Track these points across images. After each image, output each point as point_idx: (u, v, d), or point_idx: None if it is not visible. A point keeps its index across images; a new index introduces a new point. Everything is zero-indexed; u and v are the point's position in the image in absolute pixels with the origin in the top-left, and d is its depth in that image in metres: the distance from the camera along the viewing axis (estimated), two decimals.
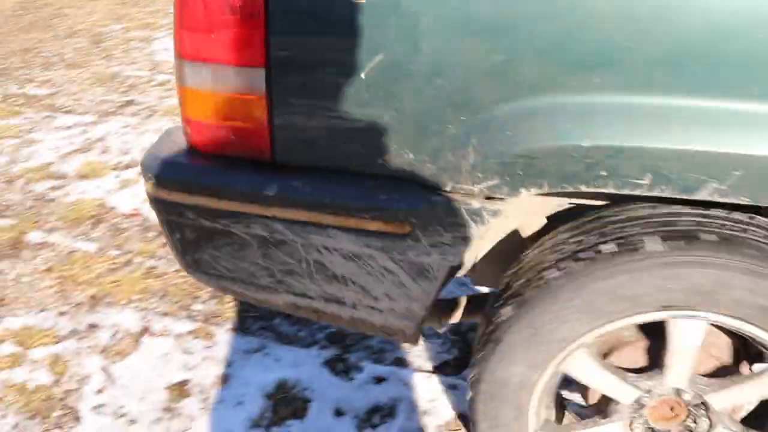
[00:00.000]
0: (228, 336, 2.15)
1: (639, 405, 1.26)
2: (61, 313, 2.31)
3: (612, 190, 1.04)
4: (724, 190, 1.00)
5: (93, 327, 2.23)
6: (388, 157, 1.12)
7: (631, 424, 1.27)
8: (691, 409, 1.26)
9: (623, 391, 1.24)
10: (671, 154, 0.99)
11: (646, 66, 0.98)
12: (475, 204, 1.09)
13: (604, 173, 1.02)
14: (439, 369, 1.95)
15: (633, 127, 1.00)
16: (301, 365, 2.01)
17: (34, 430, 1.84)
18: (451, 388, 1.88)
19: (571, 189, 1.05)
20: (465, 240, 1.12)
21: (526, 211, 1.36)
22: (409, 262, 1.17)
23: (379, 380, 1.93)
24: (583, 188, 1.04)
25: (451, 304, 1.52)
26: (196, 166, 1.21)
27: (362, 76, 1.08)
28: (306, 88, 1.11)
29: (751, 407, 1.32)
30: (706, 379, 1.24)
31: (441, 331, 1.64)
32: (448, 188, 1.10)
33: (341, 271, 1.23)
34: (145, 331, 2.20)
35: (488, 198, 1.09)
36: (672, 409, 1.27)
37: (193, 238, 1.28)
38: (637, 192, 1.03)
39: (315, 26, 1.08)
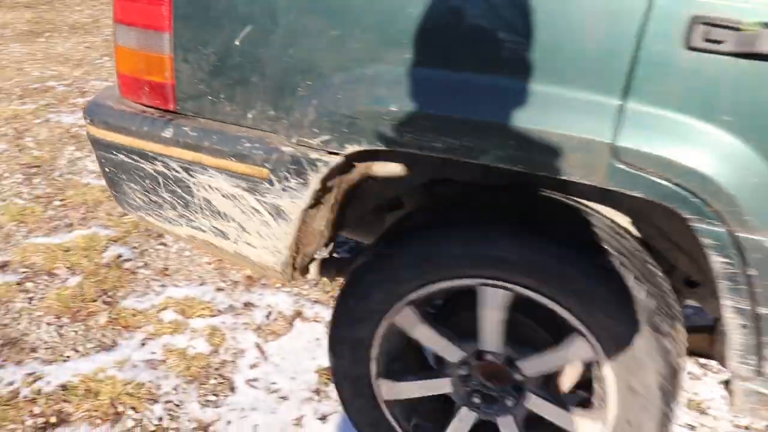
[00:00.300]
0: None
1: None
2: (219, 289, 2.49)
3: (415, 150, 1.22)
4: (502, 157, 1.17)
5: (248, 305, 2.39)
6: (255, 112, 1.36)
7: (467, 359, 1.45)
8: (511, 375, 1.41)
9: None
10: (459, 122, 1.17)
11: (444, 45, 1.16)
12: (313, 155, 1.31)
13: (408, 135, 1.21)
14: None
15: (431, 96, 1.18)
16: None
17: (192, 393, 2.00)
18: None
19: (384, 147, 1.24)
20: (306, 186, 1.33)
21: (400, 180, 1.55)
22: (270, 203, 1.40)
23: None
24: (395, 147, 1.24)
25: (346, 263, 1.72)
26: (117, 110, 1.50)
27: (237, 43, 1.32)
28: (198, 51, 1.37)
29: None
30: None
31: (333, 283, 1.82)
32: (294, 140, 1.32)
33: (223, 208, 1.47)
34: (297, 315, 2.33)
35: (323, 151, 1.30)
36: (497, 372, 1.42)
37: (117, 171, 1.56)
38: (435, 154, 1.21)
39: (206, 2, 1.34)
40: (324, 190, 1.37)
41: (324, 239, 1.61)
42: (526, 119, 1.13)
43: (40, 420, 1.88)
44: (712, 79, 1.03)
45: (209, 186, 1.45)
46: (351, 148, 1.27)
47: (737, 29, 0.99)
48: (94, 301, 2.40)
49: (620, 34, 1.06)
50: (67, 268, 2.61)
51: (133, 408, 1.93)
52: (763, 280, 1.10)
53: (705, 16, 1.01)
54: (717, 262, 1.12)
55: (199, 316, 2.33)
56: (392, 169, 1.53)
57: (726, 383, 1.29)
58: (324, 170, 1.31)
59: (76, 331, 2.26)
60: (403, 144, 1.22)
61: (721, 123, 1.05)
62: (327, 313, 2.32)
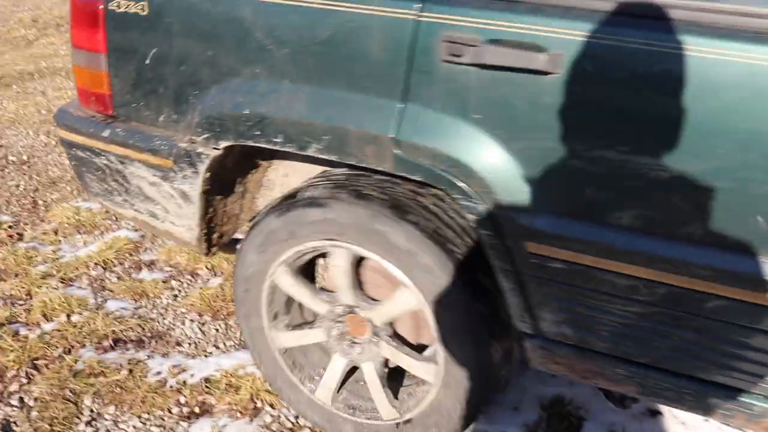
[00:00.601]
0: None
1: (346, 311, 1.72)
2: None
3: (263, 145, 1.53)
4: (321, 149, 1.46)
5: None
6: (164, 116, 1.71)
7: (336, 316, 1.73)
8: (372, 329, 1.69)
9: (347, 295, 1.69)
10: (288, 121, 1.47)
11: (279, 62, 1.47)
12: (199, 149, 1.64)
13: (258, 132, 1.53)
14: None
15: (270, 101, 1.49)
16: (578, 385, 2.07)
17: None
18: None
19: (243, 143, 1.56)
20: (198, 174, 1.67)
21: (302, 172, 1.87)
22: (178, 189, 1.75)
23: (654, 414, 1.98)
24: (251, 143, 1.55)
25: None
26: (75, 115, 1.90)
27: (147, 62, 1.68)
28: (124, 68, 1.74)
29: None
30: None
31: None
32: (187, 138, 1.66)
33: (150, 193, 1.83)
34: None
35: (206, 146, 1.63)
36: (362, 327, 1.70)
37: (79, 164, 1.96)
38: (277, 147, 1.52)
39: (128, 30, 1.70)
40: (217, 178, 1.70)
41: (242, 221, 1.95)
42: (333, 119, 1.42)
43: (186, 409, 2.03)
44: (462, 84, 1.29)
45: (138, 175, 1.82)
46: (224, 144, 1.60)
47: (472, 45, 1.24)
48: (234, 301, 2.52)
49: (398, 51, 1.33)
50: (209, 269, 2.77)
51: (271, 405, 2.04)
52: (515, 248, 1.33)
53: (450, 35, 1.27)
54: (482, 234, 1.36)
55: None
56: (292, 164, 1.85)
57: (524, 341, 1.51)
58: (207, 162, 1.64)
59: (217, 329, 2.40)
60: (256, 140, 1.53)
61: (473, 120, 1.30)
62: None
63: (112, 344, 2.29)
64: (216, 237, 1.88)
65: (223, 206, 1.83)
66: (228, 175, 1.77)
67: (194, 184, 1.70)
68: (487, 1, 1.26)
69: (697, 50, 1.11)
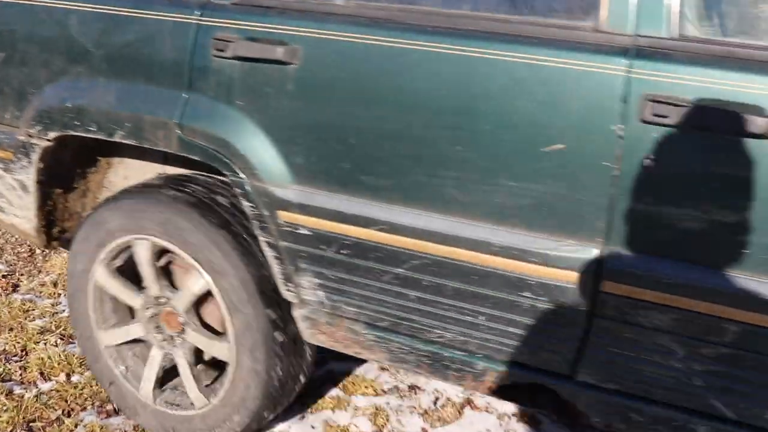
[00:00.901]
0: (554, 427, 2.13)
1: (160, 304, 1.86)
2: (383, 368, 2.37)
3: (81, 133, 1.74)
4: (125, 135, 1.67)
5: (414, 388, 2.29)
6: (9, 113, 1.92)
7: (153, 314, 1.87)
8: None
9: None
10: (100, 111, 1.69)
11: (96, 62, 1.70)
12: (33, 141, 1.84)
13: (78, 123, 1.74)
14: None
15: (88, 95, 1.71)
16: None
17: None
18: None
19: (66, 132, 1.77)
20: (32, 164, 1.86)
21: (141, 174, 2.06)
22: (18, 180, 1.93)
23: None
24: (72, 132, 1.76)
25: None
26: None
27: None
28: None
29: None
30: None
31: None
32: (24, 131, 1.86)
33: None
34: (468, 402, 2.22)
35: (38, 137, 1.83)
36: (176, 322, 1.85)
37: None
38: (92, 135, 1.73)
39: None
40: (53, 171, 1.89)
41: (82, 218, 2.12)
42: (133, 108, 1.64)
43: None
44: (228, 76, 1.52)
45: None
46: (52, 134, 1.80)
47: (231, 42, 1.49)
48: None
49: (183, 50, 1.57)
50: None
51: None
52: (271, 218, 1.53)
53: (219, 34, 1.51)
54: (246, 206, 1.56)
55: (362, 393, 2.24)
56: (132, 162, 2.06)
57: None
58: (39, 151, 1.84)
59: None
60: (76, 129, 1.74)
61: (237, 105, 1.52)
62: (499, 405, 2.20)
63: (116, 408, 2.10)
64: (56, 231, 2.05)
65: (63, 201, 2.01)
66: (67, 170, 1.96)
67: (30, 174, 1.89)
68: (248, 7, 1.52)
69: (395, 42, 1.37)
